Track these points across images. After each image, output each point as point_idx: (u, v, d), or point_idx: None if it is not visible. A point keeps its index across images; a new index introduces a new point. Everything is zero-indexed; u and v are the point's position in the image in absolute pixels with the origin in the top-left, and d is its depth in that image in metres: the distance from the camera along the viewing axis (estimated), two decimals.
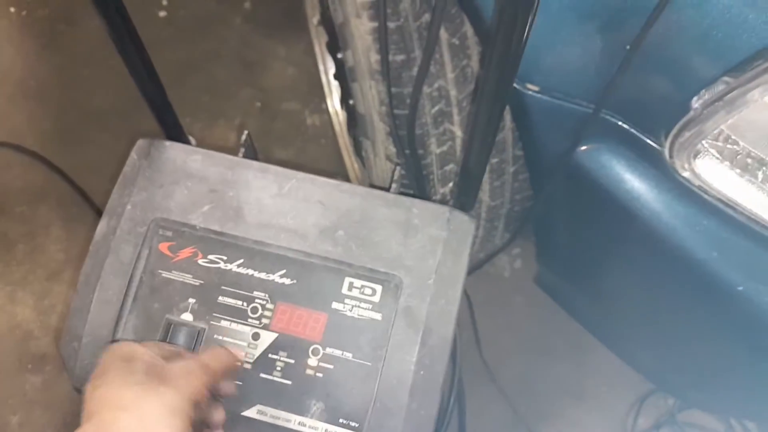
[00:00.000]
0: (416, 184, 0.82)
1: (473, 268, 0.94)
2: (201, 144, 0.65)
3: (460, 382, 1.08)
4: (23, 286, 1.30)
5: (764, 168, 0.56)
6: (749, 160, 0.57)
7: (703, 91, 0.57)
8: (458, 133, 0.80)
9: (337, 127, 1.34)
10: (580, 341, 1.23)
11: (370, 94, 0.83)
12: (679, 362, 0.87)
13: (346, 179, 1.30)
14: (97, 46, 1.48)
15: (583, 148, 0.66)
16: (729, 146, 0.58)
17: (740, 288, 0.61)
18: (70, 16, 1.52)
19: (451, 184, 0.83)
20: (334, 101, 1.34)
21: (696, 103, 0.57)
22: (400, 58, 0.75)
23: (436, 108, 0.79)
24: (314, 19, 1.30)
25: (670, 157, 0.60)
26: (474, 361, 1.20)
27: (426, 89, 0.77)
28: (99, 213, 1.33)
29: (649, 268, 0.71)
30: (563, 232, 0.79)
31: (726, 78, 0.55)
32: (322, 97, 1.40)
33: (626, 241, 0.69)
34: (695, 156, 0.60)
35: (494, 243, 0.97)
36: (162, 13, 1.50)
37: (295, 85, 1.46)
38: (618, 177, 0.64)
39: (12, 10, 1.54)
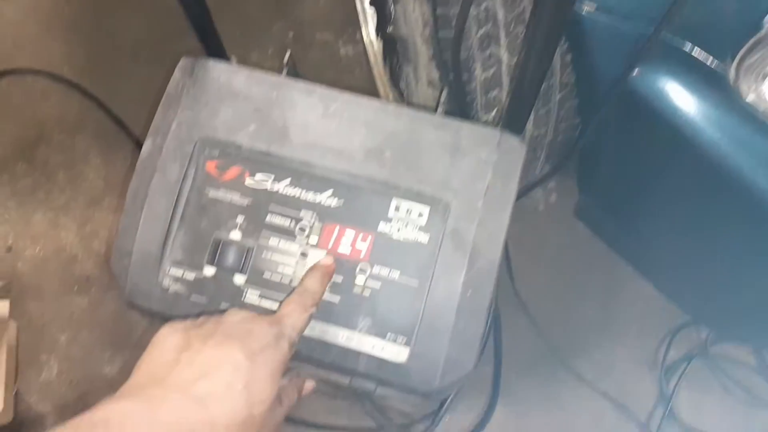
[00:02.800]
0: (459, 111, 0.80)
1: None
2: None
3: (497, 311, 1.10)
4: (65, 212, 1.33)
5: None
6: None
7: None
8: (504, 57, 0.77)
9: (371, 57, 1.31)
10: (613, 275, 1.22)
11: (414, 16, 0.80)
12: (722, 292, 0.86)
13: None
14: None
15: (640, 72, 0.63)
16: None
17: None
18: None
19: (494, 111, 0.81)
20: (369, 30, 1.31)
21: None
22: None
23: (483, 30, 0.76)
24: None
25: (735, 80, 0.58)
26: (507, 294, 1.20)
27: (472, 10, 0.74)
28: (136, 142, 1.34)
29: (701, 196, 0.69)
30: (611, 161, 0.77)
31: None
32: (357, 27, 1.36)
33: (679, 169, 0.67)
34: (763, 78, 0.57)
35: (534, 174, 0.95)
36: None
37: (329, 16, 1.42)
38: (676, 102, 0.62)
39: None
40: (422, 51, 0.81)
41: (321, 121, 0.60)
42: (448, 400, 0.83)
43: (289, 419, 1.10)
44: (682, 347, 1.22)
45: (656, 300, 1.23)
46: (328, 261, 0.58)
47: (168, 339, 0.49)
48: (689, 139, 0.61)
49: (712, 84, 0.59)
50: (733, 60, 0.56)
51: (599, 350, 1.21)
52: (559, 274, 1.26)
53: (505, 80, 0.78)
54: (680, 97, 0.61)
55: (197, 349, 0.48)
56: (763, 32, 0.54)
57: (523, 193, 1.01)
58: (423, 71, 0.85)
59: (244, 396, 0.46)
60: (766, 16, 0.53)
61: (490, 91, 0.79)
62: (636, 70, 0.63)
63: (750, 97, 0.57)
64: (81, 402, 1.26)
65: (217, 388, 0.46)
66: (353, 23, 1.36)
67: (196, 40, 0.64)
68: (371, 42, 1.31)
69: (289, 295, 0.56)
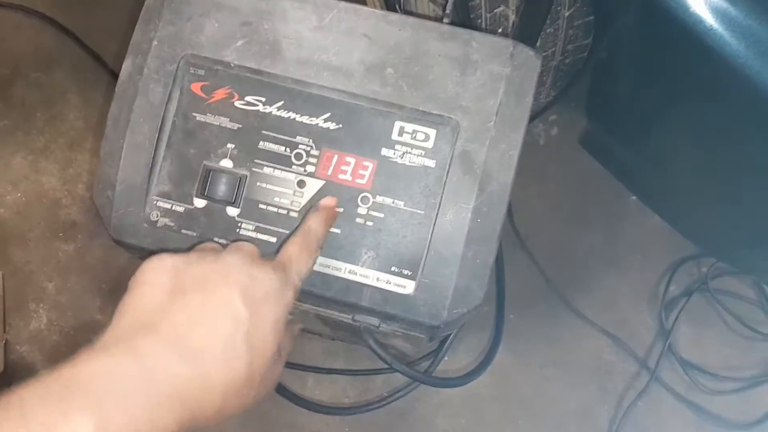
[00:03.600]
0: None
1: None
2: None
3: (499, 247, 1.07)
4: (46, 156, 1.27)
5: None
6: None
7: None
8: None
9: None
10: (615, 209, 1.20)
11: None
12: (728, 216, 0.83)
13: None
14: None
15: None
16: None
17: None
18: None
19: (500, 30, 0.75)
20: None
21: None
22: None
23: None
24: None
25: None
26: (506, 230, 1.17)
27: None
28: (114, 77, 1.27)
29: (716, 111, 0.65)
30: (624, 81, 0.72)
31: None
32: None
33: (698, 84, 0.63)
34: None
35: (539, 101, 0.90)
36: None
37: None
38: (699, 10, 0.57)
39: None
40: None
41: (316, 33, 0.54)
42: (450, 340, 0.81)
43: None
44: (682, 282, 1.21)
45: (659, 234, 1.20)
46: (331, 203, 0.54)
47: (157, 277, 0.44)
48: (712, 50, 0.57)
49: None
50: None
51: (600, 286, 1.20)
52: (560, 209, 1.23)
53: None
54: (704, 3, 0.56)
55: (192, 294, 0.42)
56: None
57: (528, 121, 0.97)
58: None
59: (244, 351, 0.41)
60: None
61: (495, 8, 0.74)
62: None
63: None
64: (72, 351, 1.24)
65: (214, 342, 0.41)
66: None
67: None
68: None
69: (291, 235, 0.52)
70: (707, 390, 1.15)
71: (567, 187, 1.23)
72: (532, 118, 0.94)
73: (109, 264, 1.22)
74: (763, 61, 0.56)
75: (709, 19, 0.56)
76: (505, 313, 1.08)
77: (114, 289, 1.21)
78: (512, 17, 0.71)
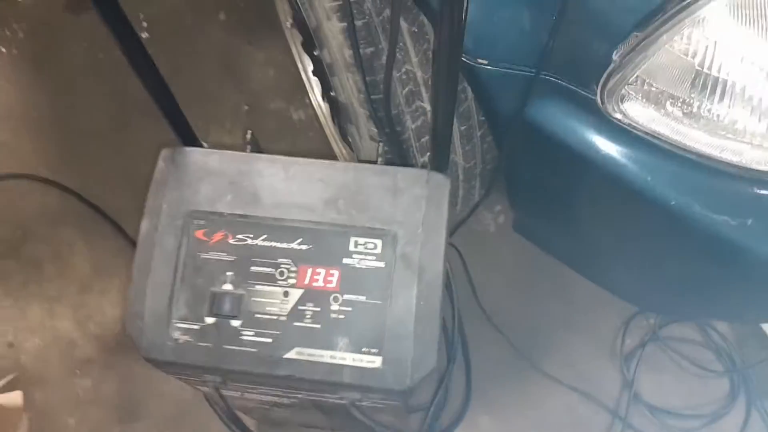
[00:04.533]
0: (399, 158, 0.95)
1: (460, 222, 1.07)
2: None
3: (461, 324, 1.23)
4: (59, 301, 1.43)
5: (671, 99, 0.69)
6: (661, 97, 0.70)
7: (620, 45, 0.70)
8: (428, 108, 0.93)
9: (322, 119, 1.47)
10: (565, 278, 1.36)
11: (348, 85, 0.95)
12: (648, 279, 1.00)
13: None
14: (80, 73, 1.60)
15: (532, 106, 0.78)
16: (645, 88, 0.71)
17: (672, 203, 0.75)
18: (54, 50, 1.63)
19: (429, 154, 0.96)
20: (316, 95, 1.47)
21: (616, 56, 0.70)
22: (369, 50, 0.88)
23: (407, 89, 0.92)
24: (287, 22, 1.42)
25: (602, 103, 0.73)
26: (472, 309, 1.34)
27: (395, 74, 0.90)
28: (115, 225, 1.45)
29: (601, 198, 0.84)
30: (528, 181, 0.92)
31: (636, 33, 0.68)
32: (305, 93, 1.52)
33: (579, 180, 0.83)
34: (621, 100, 0.73)
35: (474, 200, 1.10)
36: (144, 35, 1.62)
37: (277, 85, 1.58)
38: (563, 126, 0.78)
39: (2, 50, 1.65)
40: (360, 112, 0.97)
41: (284, 183, 0.74)
42: (431, 411, 0.95)
43: None
44: (636, 335, 1.36)
45: (604, 295, 1.38)
46: None
47: None
48: (579, 154, 0.77)
49: (588, 108, 0.75)
50: (597, 88, 0.72)
51: (562, 348, 1.35)
52: (517, 284, 1.40)
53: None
54: (565, 121, 0.77)
55: None
56: (613, 65, 0.70)
57: (469, 215, 1.16)
58: (364, 128, 1.00)
59: None
60: (614, 51, 0.69)
61: (421, 138, 0.95)
62: (529, 105, 0.78)
63: (617, 115, 0.73)
64: None
65: None
66: (301, 90, 1.52)
67: (152, 121, 0.76)
68: (319, 105, 1.47)
69: None
70: (676, 429, 1.28)
71: (520, 264, 1.41)
72: (472, 211, 1.14)
73: (124, 394, 1.34)
74: (612, 156, 0.76)
75: (571, 133, 0.77)
76: (477, 384, 1.22)
77: (130, 417, 1.32)
78: (428, 108, 0.90)
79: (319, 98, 1.44)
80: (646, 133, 0.73)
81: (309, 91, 1.48)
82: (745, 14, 0.64)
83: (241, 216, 0.73)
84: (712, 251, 0.78)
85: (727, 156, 0.71)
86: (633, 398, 1.31)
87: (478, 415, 1.26)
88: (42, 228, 1.49)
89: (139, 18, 1.61)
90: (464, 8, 0.55)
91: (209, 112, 1.54)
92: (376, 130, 0.97)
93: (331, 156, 1.44)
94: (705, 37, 0.66)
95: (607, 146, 0.76)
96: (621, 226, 0.88)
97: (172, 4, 1.64)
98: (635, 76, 0.70)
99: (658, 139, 0.73)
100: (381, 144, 0.80)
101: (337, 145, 1.40)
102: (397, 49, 0.87)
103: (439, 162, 0.73)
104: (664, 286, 0.99)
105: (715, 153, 0.71)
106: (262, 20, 1.61)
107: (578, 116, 0.77)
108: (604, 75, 0.71)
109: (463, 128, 0.95)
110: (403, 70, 0.90)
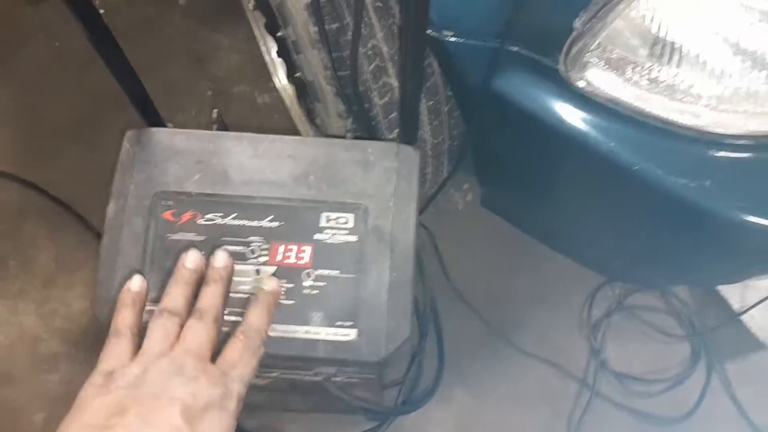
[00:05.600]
0: (368, 134, 0.95)
1: (429, 200, 1.08)
2: None
3: (433, 300, 1.24)
4: (22, 297, 1.39)
5: (632, 65, 0.71)
6: (622, 64, 0.72)
7: (582, 12, 0.71)
8: (395, 84, 0.93)
9: (287, 101, 1.45)
10: (534, 252, 1.38)
11: (315, 62, 0.95)
12: (615, 247, 1.02)
13: None
14: (43, 66, 1.55)
15: (497, 78, 0.79)
16: (606, 55, 0.72)
17: (636, 167, 0.76)
18: (14, 45, 1.58)
19: (397, 130, 0.96)
20: (280, 78, 1.45)
21: (577, 23, 0.71)
22: (335, 26, 0.87)
23: (373, 65, 0.91)
24: (249, 4, 1.40)
25: (566, 71, 0.75)
26: (444, 287, 1.35)
27: (361, 50, 0.89)
28: (81, 219, 1.42)
29: (568, 168, 0.86)
30: (496, 154, 0.93)
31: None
32: (269, 77, 1.50)
33: (545, 149, 0.84)
34: (584, 67, 0.74)
35: (443, 176, 1.11)
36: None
37: (242, 70, 1.56)
38: (528, 96, 0.78)
39: None
40: (327, 90, 0.96)
41: (253, 161, 0.73)
42: (404, 384, 0.96)
43: None
44: (602, 305, 1.39)
45: (573, 267, 1.40)
46: (274, 286, 0.65)
47: (96, 399, 0.46)
48: (545, 123, 0.78)
49: (552, 78, 0.76)
50: (560, 56, 0.73)
51: (533, 321, 1.37)
52: (487, 261, 1.42)
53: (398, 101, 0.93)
54: (531, 91, 0.78)
55: (131, 413, 0.42)
56: (575, 32, 0.71)
57: (438, 191, 1.17)
58: (332, 107, 0.99)
59: None
60: (575, 19, 0.70)
61: (389, 114, 0.95)
62: (495, 76, 0.79)
63: (580, 83, 0.74)
64: None
65: None
66: (265, 73, 1.50)
67: (117, 115, 0.75)
68: (284, 88, 1.46)
69: (233, 334, 0.59)
70: (641, 394, 1.32)
71: (489, 241, 1.43)
72: (440, 189, 1.15)
73: None
74: (577, 124, 0.77)
75: (536, 102, 0.78)
76: (451, 361, 1.24)
77: None
78: (395, 84, 0.90)
79: (284, 80, 1.43)
80: (609, 100, 0.75)
81: (273, 73, 1.47)
82: None
83: (209, 195, 0.72)
84: (673, 214, 0.80)
85: (687, 120, 0.73)
86: (600, 367, 1.34)
87: (451, 388, 1.28)
88: (3, 222, 1.45)
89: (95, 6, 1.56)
90: None
91: (174, 101, 1.51)
92: (343, 107, 0.96)
93: None
94: (661, 2, 0.68)
95: (572, 115, 0.77)
96: (587, 194, 0.90)
97: None
98: (596, 43, 0.72)
99: (621, 105, 0.75)
100: (350, 119, 0.80)
101: (303, 127, 1.39)
102: (362, 25, 0.87)
103: (409, 138, 0.74)
104: (630, 253, 1.01)
105: (674, 117, 0.73)
106: (223, 4, 1.59)
107: (543, 86, 0.78)
108: (567, 43, 0.72)
109: (430, 103, 0.95)
110: (369, 45, 0.90)
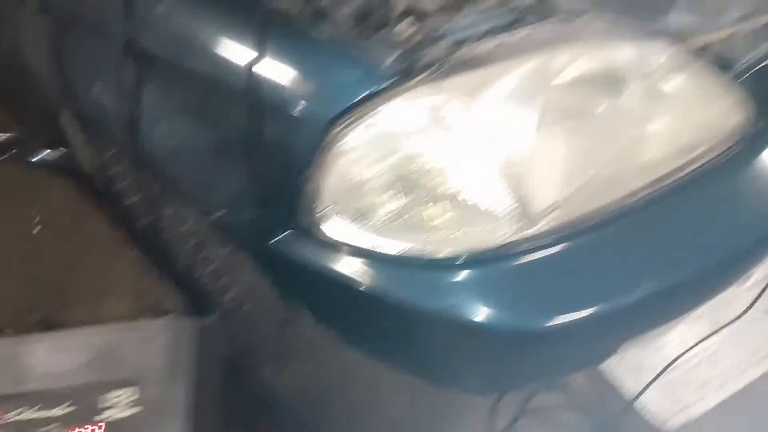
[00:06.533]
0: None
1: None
2: None
3: None
4: None
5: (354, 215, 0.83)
6: (347, 213, 0.83)
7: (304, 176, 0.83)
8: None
9: None
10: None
11: None
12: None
13: None
14: None
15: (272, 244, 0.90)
16: (334, 208, 0.84)
17: (397, 301, 0.85)
18: None
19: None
20: None
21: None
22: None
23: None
24: None
25: (310, 230, 0.86)
26: None
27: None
28: None
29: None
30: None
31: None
32: None
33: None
34: (320, 222, 0.85)
35: None
36: None
37: None
38: (298, 255, 0.89)
39: None
40: None
41: (50, 356, 0.84)
42: None
43: None
44: (507, 413, 1.41)
45: None
46: None
47: None
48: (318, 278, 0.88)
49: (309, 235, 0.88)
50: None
51: None
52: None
53: None
54: (296, 250, 0.89)
55: None
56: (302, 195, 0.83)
57: None
58: None
59: None
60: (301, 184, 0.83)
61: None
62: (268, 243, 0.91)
63: (325, 237, 0.85)
64: None
65: None
66: None
67: None
68: None
69: None
70: None
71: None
72: None
73: None
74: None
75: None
76: None
77: None
78: None
79: None
80: (353, 248, 0.85)
81: None
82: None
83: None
84: (448, 335, 0.87)
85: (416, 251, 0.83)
86: None
87: None
88: None
89: None
90: None
91: None
92: None
93: None
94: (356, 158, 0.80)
95: (331, 265, 0.87)
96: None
97: None
98: (321, 200, 0.83)
99: (363, 250, 0.85)
100: None
101: None
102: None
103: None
104: (464, 374, 1.04)
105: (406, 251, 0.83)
106: None
107: (306, 244, 0.88)
108: (300, 205, 0.84)
109: None
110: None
